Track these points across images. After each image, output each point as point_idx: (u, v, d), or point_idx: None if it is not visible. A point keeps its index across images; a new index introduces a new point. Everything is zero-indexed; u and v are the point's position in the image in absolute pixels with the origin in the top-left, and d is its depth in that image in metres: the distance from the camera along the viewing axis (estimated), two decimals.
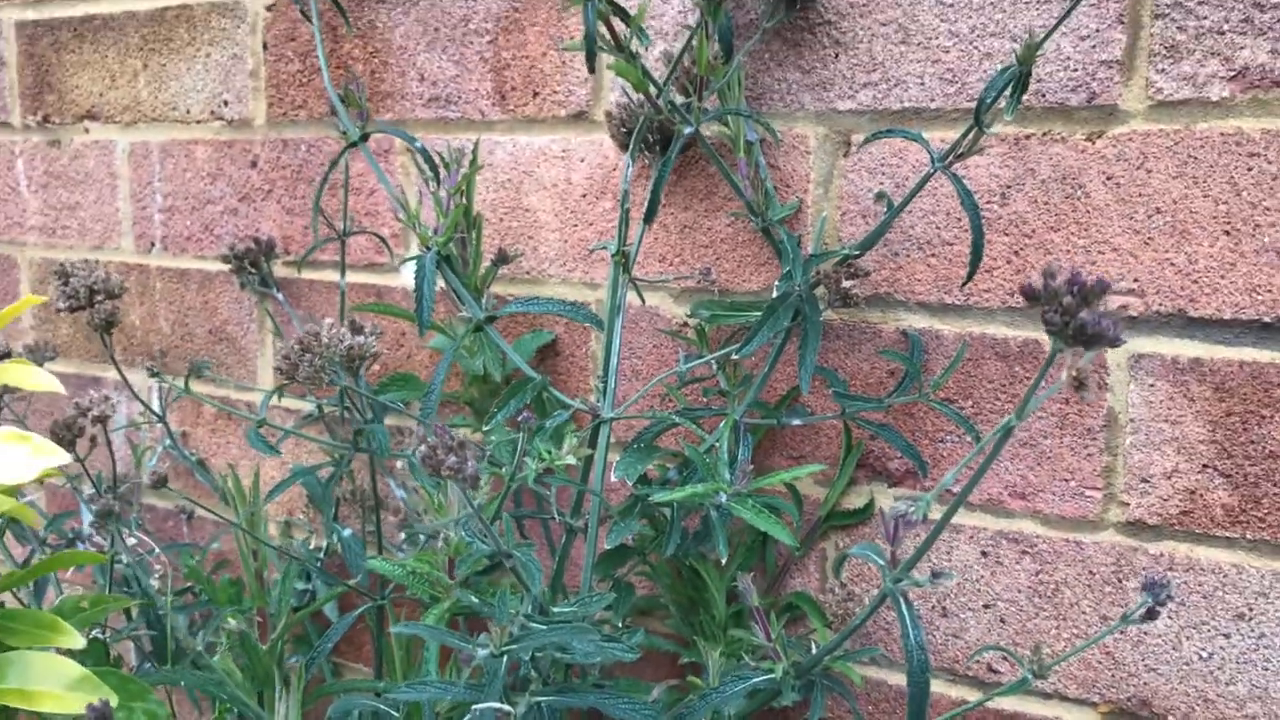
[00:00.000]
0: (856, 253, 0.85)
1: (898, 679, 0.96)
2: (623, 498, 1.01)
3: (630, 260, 0.87)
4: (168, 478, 0.99)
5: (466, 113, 1.11)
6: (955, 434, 0.90)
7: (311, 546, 1.27)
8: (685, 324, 1.01)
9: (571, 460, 0.74)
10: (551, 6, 1.05)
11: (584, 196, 1.05)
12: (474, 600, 0.73)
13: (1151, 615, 0.75)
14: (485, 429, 0.84)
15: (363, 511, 1.18)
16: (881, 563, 0.64)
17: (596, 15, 0.77)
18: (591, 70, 0.78)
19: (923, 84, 0.88)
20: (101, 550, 1.14)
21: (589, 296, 1.06)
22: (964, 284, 0.86)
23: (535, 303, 0.90)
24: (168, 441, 1.29)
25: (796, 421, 0.89)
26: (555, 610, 0.75)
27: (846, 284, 0.82)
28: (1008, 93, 0.76)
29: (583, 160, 1.05)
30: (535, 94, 1.07)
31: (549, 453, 0.74)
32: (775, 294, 0.80)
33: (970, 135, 0.78)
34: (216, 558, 1.32)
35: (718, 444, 0.86)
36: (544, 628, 0.67)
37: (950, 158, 0.79)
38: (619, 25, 0.81)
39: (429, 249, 0.88)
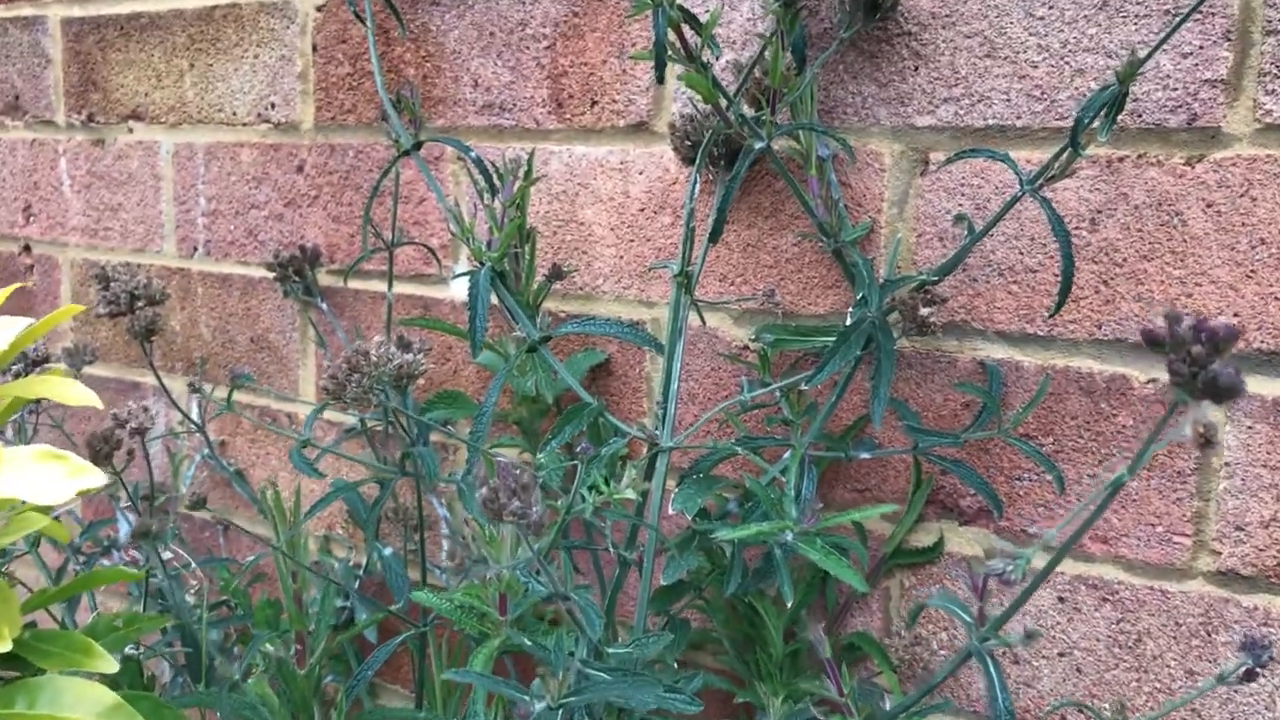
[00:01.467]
0: (935, 279, 0.80)
1: None
2: (677, 526, 0.96)
3: (693, 281, 0.82)
4: (206, 499, 0.95)
5: (521, 121, 1.08)
6: (1033, 472, 0.85)
7: (351, 564, 1.24)
8: (746, 347, 0.97)
9: (631, 495, 0.70)
10: (613, 12, 1.01)
11: (642, 211, 1.01)
12: (527, 643, 0.69)
13: (1250, 677, 0.70)
14: (539, 455, 0.80)
15: (404, 530, 1.15)
16: (968, 619, 0.59)
17: (667, 22, 0.73)
18: (661, 81, 0.74)
19: (1008, 100, 0.84)
20: (137, 564, 1.11)
21: (645, 315, 1.02)
22: (1051, 315, 0.81)
23: (591, 323, 0.86)
24: (205, 451, 1.27)
25: (865, 455, 0.84)
26: (611, 651, 0.71)
27: (924, 311, 0.77)
28: (1103, 113, 0.72)
29: (641, 173, 1.01)
30: (594, 103, 1.03)
31: (607, 486, 0.70)
32: (849, 320, 0.75)
33: (1063, 157, 0.73)
34: (253, 570, 1.29)
35: (781, 476, 0.82)
36: (603, 676, 0.63)
37: (1040, 180, 0.74)
38: (688, 33, 0.77)
39: (483, 264, 0.84)
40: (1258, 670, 0.69)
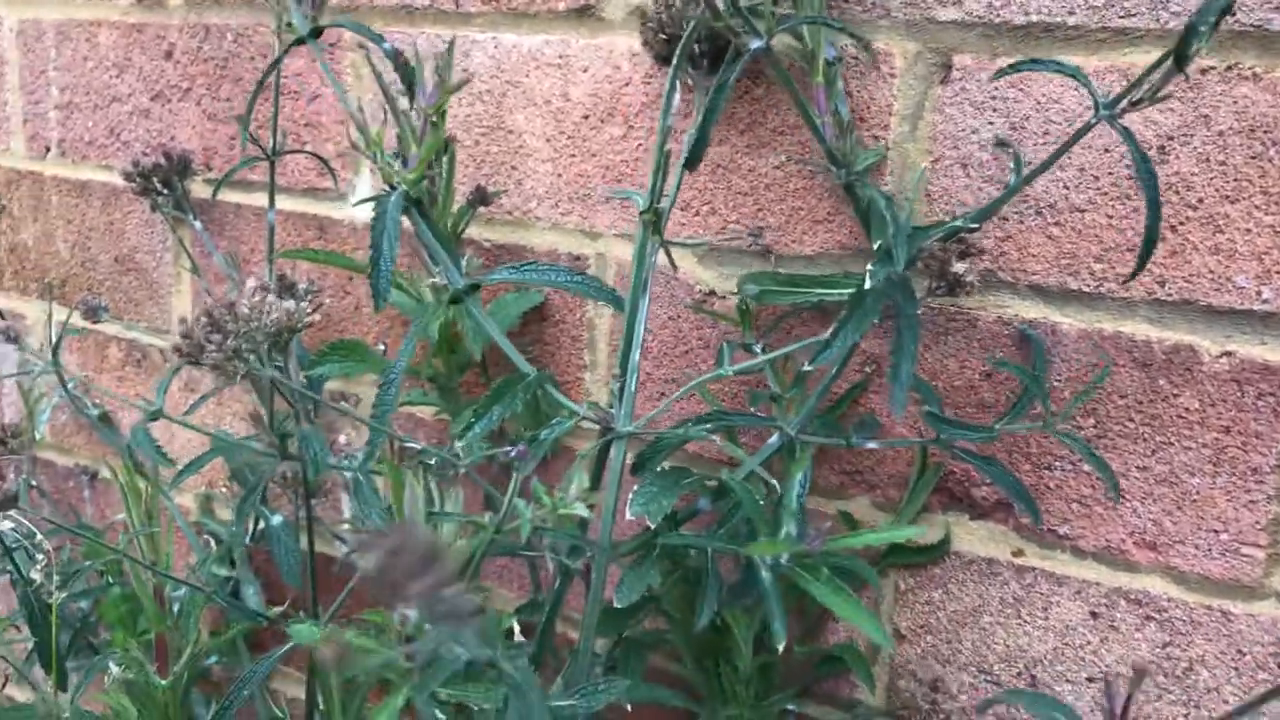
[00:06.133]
0: (974, 225, 0.62)
1: None
2: (633, 524, 0.80)
3: (663, 220, 0.64)
4: (18, 496, 0.76)
5: (436, 0, 0.87)
6: (1069, 459, 0.69)
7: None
8: (712, 293, 0.79)
9: (581, 511, 0.53)
10: None
11: (586, 118, 0.82)
12: (440, 718, 0.52)
13: None
14: (458, 439, 0.62)
15: (296, 497, 0.96)
16: None
17: None
18: None
19: None
20: None
21: (588, 249, 0.83)
22: (1127, 280, 0.64)
23: (530, 268, 0.67)
24: (61, 393, 1.06)
25: (872, 445, 0.67)
26: (553, 705, 0.55)
27: (958, 268, 0.60)
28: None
29: (585, 70, 0.81)
30: None
31: (549, 499, 0.52)
32: (869, 280, 0.57)
33: (1155, 75, 0.55)
34: (124, 528, 1.10)
35: (762, 470, 0.65)
36: None
37: (1122, 104, 0.56)
38: None
39: (393, 188, 0.65)
40: None
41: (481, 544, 0.55)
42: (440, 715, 0.51)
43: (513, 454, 0.52)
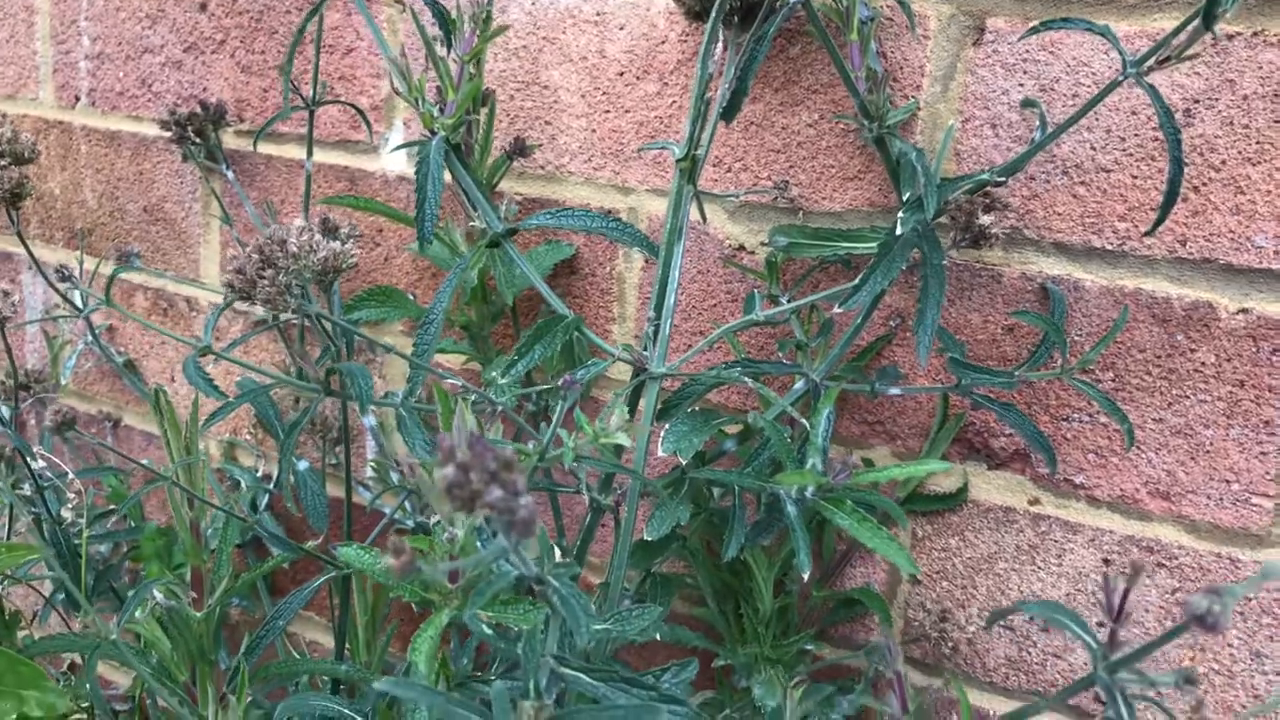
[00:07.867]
0: (1001, 179, 0.64)
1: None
2: (662, 465, 0.82)
3: (698, 168, 0.66)
4: (75, 420, 0.78)
5: None
6: (1086, 411, 0.72)
7: (259, 474, 1.08)
8: (741, 248, 0.81)
9: (623, 440, 0.55)
10: None
11: (621, 75, 0.84)
12: (486, 631, 0.54)
13: None
14: (498, 377, 0.64)
15: (323, 441, 0.98)
16: (1093, 645, 0.46)
17: None
18: None
19: None
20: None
21: (619, 203, 0.85)
22: (1149, 233, 0.66)
23: (566, 214, 0.69)
24: (89, 338, 1.08)
25: (895, 391, 0.70)
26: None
27: (983, 219, 0.62)
28: None
29: (622, 28, 0.83)
30: None
31: (591, 428, 0.55)
32: (899, 227, 0.60)
33: (1183, 34, 0.58)
34: (148, 474, 1.12)
35: (791, 411, 0.67)
36: (584, 679, 0.49)
37: (1149, 62, 0.59)
38: None
39: (434, 134, 0.67)
40: None
41: (528, 467, 0.57)
42: (488, 630, 0.53)
43: (560, 384, 0.54)
